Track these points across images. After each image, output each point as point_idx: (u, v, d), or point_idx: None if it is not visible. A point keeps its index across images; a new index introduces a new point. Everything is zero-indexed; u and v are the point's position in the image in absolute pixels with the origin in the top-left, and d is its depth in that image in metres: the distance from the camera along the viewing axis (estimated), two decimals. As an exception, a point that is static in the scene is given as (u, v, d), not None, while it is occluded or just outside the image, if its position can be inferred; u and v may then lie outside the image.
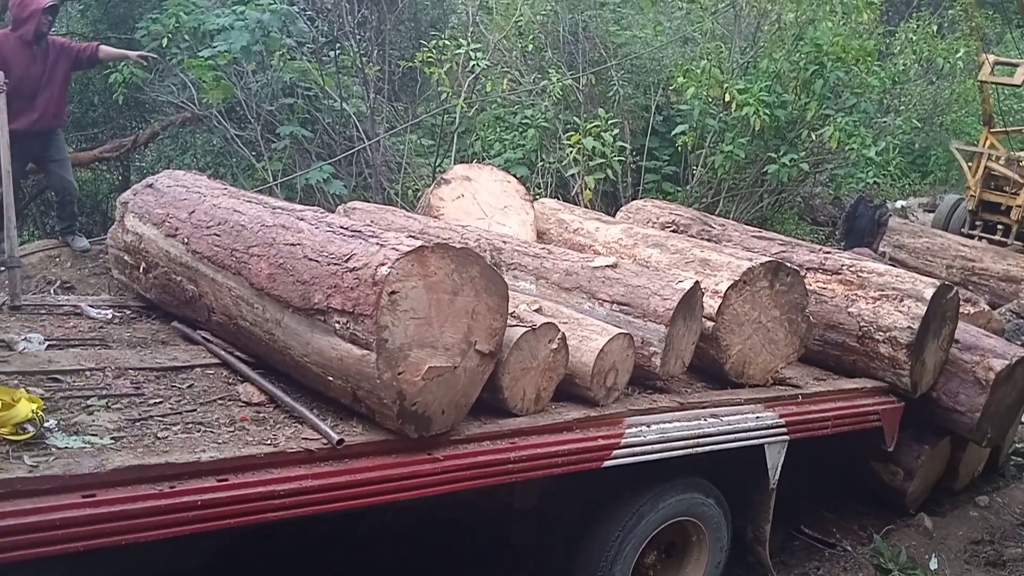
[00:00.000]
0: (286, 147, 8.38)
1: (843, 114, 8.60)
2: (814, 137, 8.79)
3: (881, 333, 4.28)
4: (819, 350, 4.49)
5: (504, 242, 4.30)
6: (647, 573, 3.76)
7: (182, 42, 8.56)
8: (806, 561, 4.45)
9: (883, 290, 4.36)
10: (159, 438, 2.53)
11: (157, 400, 2.83)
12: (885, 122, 10.85)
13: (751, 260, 3.93)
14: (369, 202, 6.20)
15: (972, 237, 9.72)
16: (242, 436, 2.62)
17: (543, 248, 4.25)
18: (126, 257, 3.96)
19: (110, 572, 2.62)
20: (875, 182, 9.32)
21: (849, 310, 4.40)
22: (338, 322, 2.66)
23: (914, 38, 12.32)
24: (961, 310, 4.69)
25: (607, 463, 3.25)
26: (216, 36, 8.23)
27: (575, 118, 8.85)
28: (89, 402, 2.73)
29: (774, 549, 4.19)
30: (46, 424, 2.45)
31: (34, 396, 2.54)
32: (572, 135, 8.12)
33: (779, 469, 3.88)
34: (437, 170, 8.59)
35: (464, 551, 3.91)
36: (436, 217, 4.98)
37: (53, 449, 2.34)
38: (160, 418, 2.68)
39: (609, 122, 8.04)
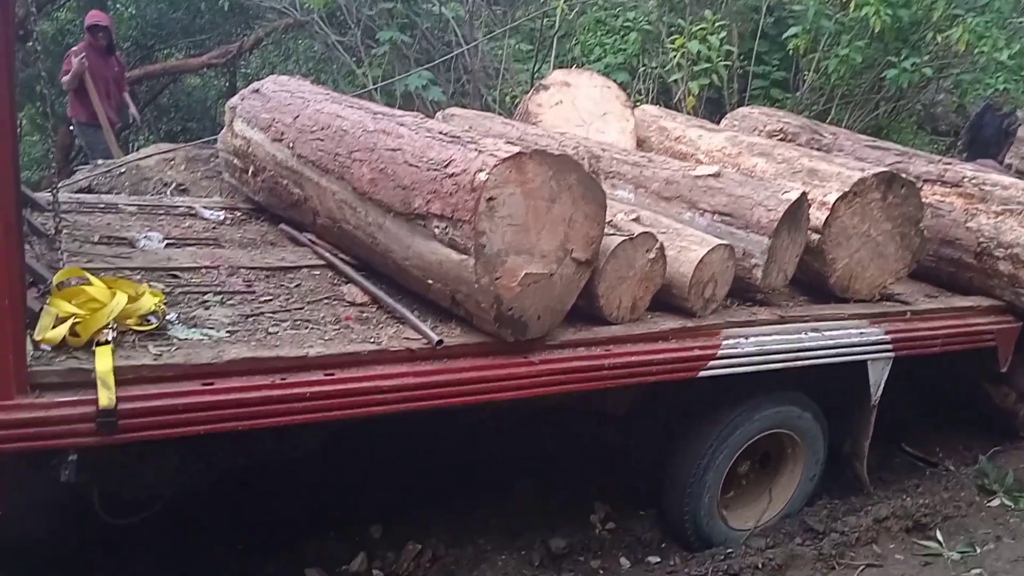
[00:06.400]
0: (386, 52, 8.38)
1: (974, 14, 7.95)
2: (940, 39, 8.16)
3: (1002, 250, 4.06)
4: (932, 266, 4.30)
5: (603, 150, 4.23)
6: (740, 481, 3.78)
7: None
8: (906, 478, 4.36)
9: (1007, 204, 4.11)
10: (270, 333, 2.66)
11: (267, 298, 2.97)
12: (1021, 22, 9.97)
13: (863, 171, 3.74)
14: (467, 108, 6.17)
15: (1112, 149, 8.97)
16: (347, 334, 2.73)
17: (643, 156, 4.16)
18: (236, 161, 4.10)
19: (222, 458, 2.80)
20: (1005, 88, 8.64)
21: (968, 225, 4.18)
22: (437, 227, 2.70)
23: (1062, -75, 11.17)
24: (1094, 227, 4.38)
25: (702, 373, 3.24)
26: (317, -60, 8.21)
27: (680, 20, 8.47)
28: (205, 298, 2.89)
29: (873, 465, 4.13)
30: (167, 317, 2.61)
31: (156, 291, 2.70)
32: (676, 39, 7.80)
33: (882, 386, 3.79)
34: (536, 76, 8.45)
35: (559, 452, 4.02)
36: (534, 124, 4.92)
37: (175, 340, 2.50)
38: (271, 314, 2.82)
39: (716, 24, 7.67)
